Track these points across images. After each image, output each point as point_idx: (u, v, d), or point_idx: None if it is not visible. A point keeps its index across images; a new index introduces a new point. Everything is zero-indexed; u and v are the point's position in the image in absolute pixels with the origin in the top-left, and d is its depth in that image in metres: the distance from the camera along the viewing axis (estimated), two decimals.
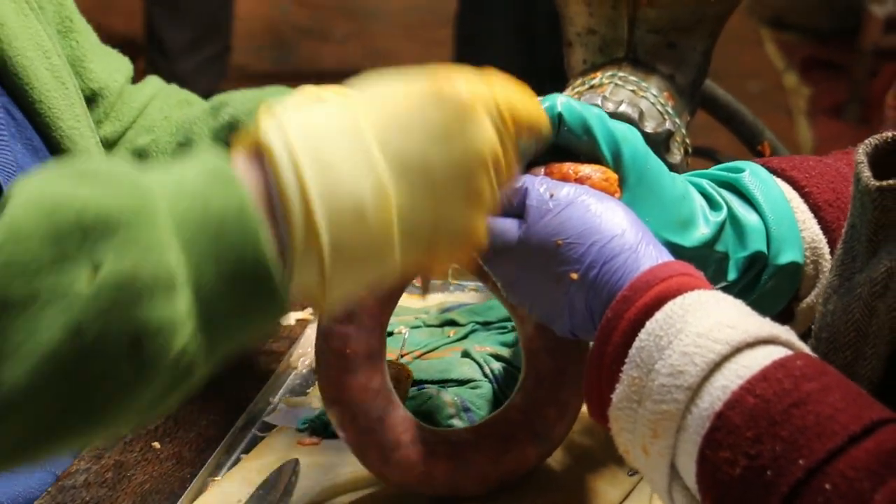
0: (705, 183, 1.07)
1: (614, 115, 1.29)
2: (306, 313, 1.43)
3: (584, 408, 1.19)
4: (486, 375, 1.24)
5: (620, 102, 1.30)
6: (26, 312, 0.73)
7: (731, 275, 1.04)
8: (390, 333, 1.34)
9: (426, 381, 1.24)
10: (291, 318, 1.42)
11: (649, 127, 1.29)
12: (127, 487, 1.13)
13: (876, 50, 2.48)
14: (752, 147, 1.73)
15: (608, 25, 1.41)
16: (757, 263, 1.05)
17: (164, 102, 1.42)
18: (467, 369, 1.25)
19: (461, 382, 1.24)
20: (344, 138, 0.81)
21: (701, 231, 1.02)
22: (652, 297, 0.88)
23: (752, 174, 1.07)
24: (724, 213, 1.04)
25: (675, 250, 0.99)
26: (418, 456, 1.07)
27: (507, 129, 0.88)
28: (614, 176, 1.00)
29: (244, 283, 0.78)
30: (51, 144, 1.21)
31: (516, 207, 0.96)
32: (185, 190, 0.77)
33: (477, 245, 0.89)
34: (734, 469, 0.80)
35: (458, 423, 1.18)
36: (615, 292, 0.90)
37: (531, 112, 0.92)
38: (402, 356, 1.29)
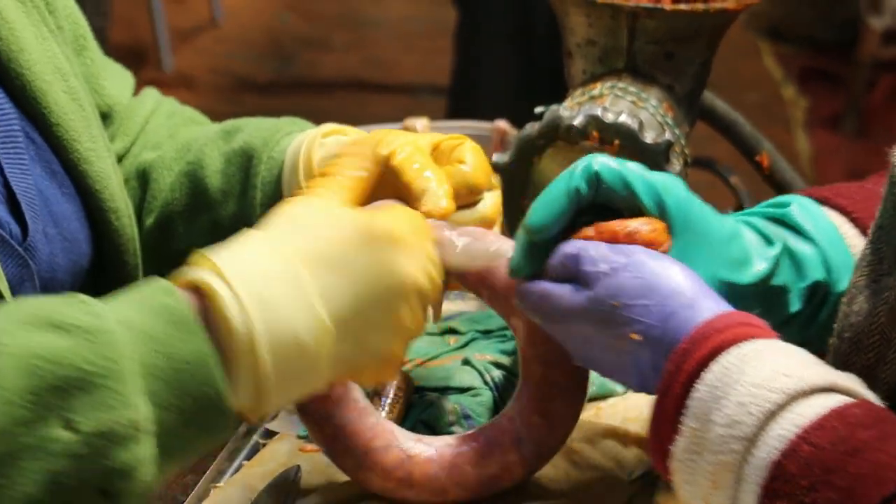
0: (755, 220, 1.08)
1: (613, 125, 1.30)
2: None
3: (583, 415, 1.21)
4: (486, 383, 1.25)
5: (620, 113, 1.31)
6: (8, 465, 0.81)
7: (795, 306, 1.05)
8: None
9: (427, 389, 1.25)
10: None
11: (649, 138, 1.30)
12: None
13: (874, 62, 2.49)
14: (751, 158, 1.74)
15: (608, 36, 1.42)
16: (818, 292, 1.05)
17: (168, 119, 1.42)
18: (468, 377, 1.26)
19: (462, 390, 1.25)
20: (283, 281, 0.91)
21: (757, 267, 1.03)
22: (709, 348, 0.89)
23: (800, 206, 1.08)
24: (779, 248, 1.05)
25: (734, 289, 1.00)
26: (394, 461, 1.08)
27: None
28: (662, 225, 1.01)
29: (203, 420, 0.89)
30: (68, 167, 1.22)
31: (571, 272, 0.98)
32: (149, 339, 0.86)
33: (397, 367, 1.01)
34: None
35: (458, 430, 1.19)
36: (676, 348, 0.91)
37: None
38: (403, 364, 1.30)
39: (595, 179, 1.04)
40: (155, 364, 0.86)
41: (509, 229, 1.40)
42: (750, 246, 1.04)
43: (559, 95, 1.44)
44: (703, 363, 0.89)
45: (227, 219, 1.30)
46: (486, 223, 1.18)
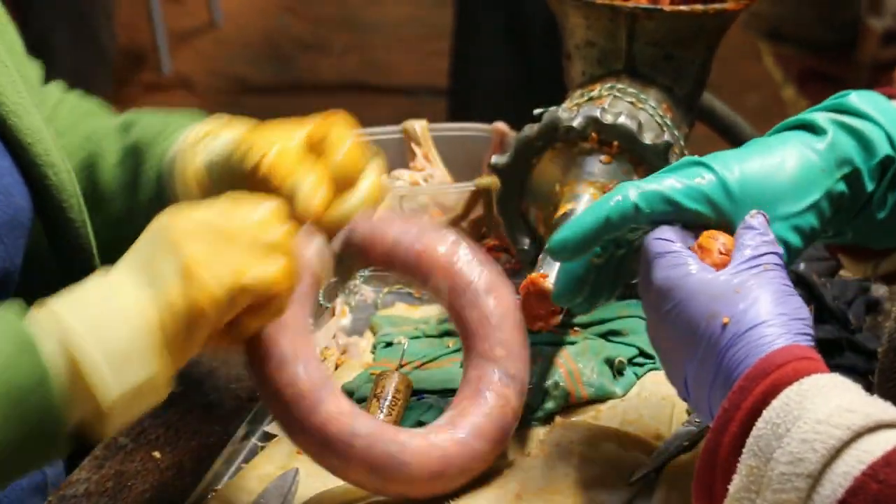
0: (816, 117, 1.07)
1: (612, 127, 1.30)
2: None
3: (582, 417, 1.21)
4: None
5: (619, 114, 1.31)
6: None
7: (869, 186, 1.05)
8: (389, 344, 1.35)
9: (426, 391, 1.25)
10: None
11: (648, 138, 1.29)
12: (127, 497, 1.14)
13: (874, 63, 2.49)
14: None
15: (607, 38, 1.42)
16: (890, 169, 1.05)
17: (71, 109, 1.42)
18: None
19: None
20: (126, 325, 0.97)
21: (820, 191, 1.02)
22: (768, 384, 0.88)
23: (859, 95, 1.08)
24: (828, 137, 1.04)
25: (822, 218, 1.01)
26: (360, 450, 1.08)
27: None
28: (728, 238, 0.99)
29: (37, 441, 0.95)
30: None
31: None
32: None
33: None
34: None
35: None
36: (732, 381, 0.90)
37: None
38: (401, 366, 1.29)
39: (634, 212, 1.02)
40: None
41: (508, 231, 1.39)
42: (812, 172, 1.03)
43: (556, 96, 1.44)
44: (765, 400, 0.87)
45: (121, 213, 1.31)
46: (367, 206, 1.16)
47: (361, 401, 1.22)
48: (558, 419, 1.21)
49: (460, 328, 1.17)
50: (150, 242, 1.02)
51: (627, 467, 1.14)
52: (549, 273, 1.17)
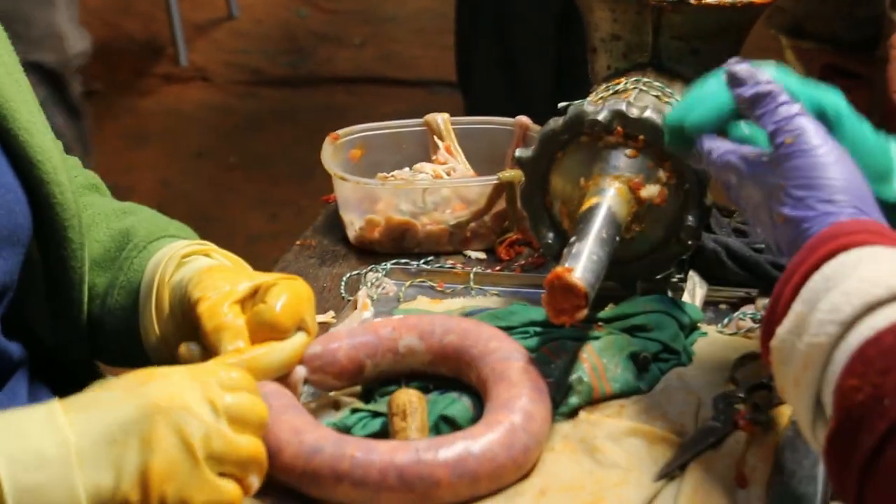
0: None
1: (639, 121, 1.29)
2: (327, 316, 1.43)
3: (606, 413, 1.20)
4: None
5: (645, 108, 1.30)
6: None
7: None
8: None
9: (450, 385, 1.24)
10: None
11: None
12: None
13: None
14: None
15: (632, 31, 1.41)
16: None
17: (73, 171, 1.43)
18: None
19: None
20: (52, 466, 0.98)
21: None
22: (834, 246, 0.97)
23: None
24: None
25: (878, 202, 1.06)
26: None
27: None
28: None
29: None
30: (7, 137, 1.23)
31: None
32: None
33: None
34: (858, 395, 0.90)
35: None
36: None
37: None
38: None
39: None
40: None
41: (531, 225, 1.39)
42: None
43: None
44: (827, 258, 0.97)
45: (96, 288, 1.33)
46: (287, 364, 1.20)
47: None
48: (582, 414, 1.20)
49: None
50: (127, 420, 1.01)
51: (653, 463, 1.13)
52: (575, 267, 1.17)
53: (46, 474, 0.97)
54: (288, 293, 1.19)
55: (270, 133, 4.39)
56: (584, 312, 1.16)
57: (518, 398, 1.14)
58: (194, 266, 1.27)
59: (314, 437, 1.11)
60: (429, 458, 1.08)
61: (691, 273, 1.41)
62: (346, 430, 1.20)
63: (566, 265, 1.17)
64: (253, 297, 1.20)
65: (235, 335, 1.17)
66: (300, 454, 1.10)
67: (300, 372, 1.20)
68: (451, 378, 1.24)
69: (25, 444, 0.98)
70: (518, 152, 1.36)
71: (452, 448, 1.09)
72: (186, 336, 1.21)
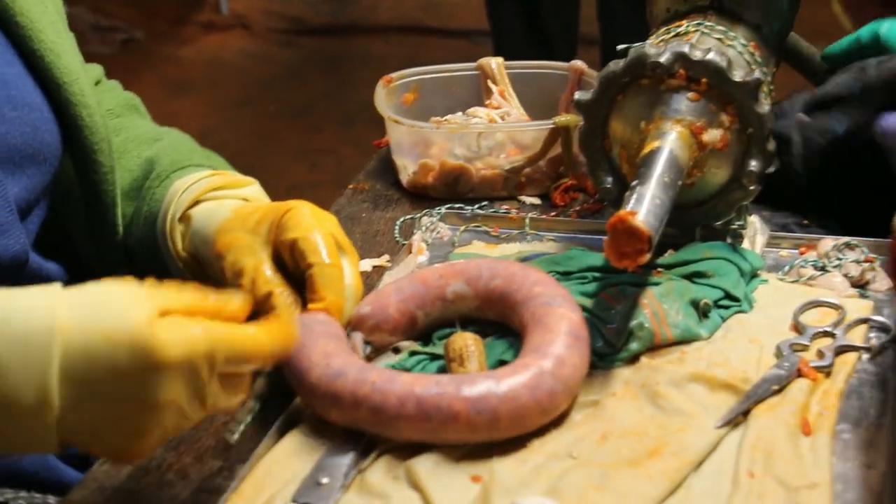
0: None
1: (701, 63, 1.27)
2: (382, 260, 1.42)
3: (666, 359, 1.19)
4: None
5: (708, 51, 1.28)
6: None
7: None
8: None
9: (504, 333, 1.23)
10: (368, 265, 1.41)
11: (737, 76, 1.26)
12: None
13: None
14: None
15: None
16: None
17: (113, 92, 1.44)
18: None
19: None
20: (27, 349, 0.88)
21: None
22: None
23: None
24: None
25: None
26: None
27: (205, 372, 0.92)
28: None
29: None
30: (33, 58, 1.23)
31: None
32: None
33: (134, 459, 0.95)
34: None
35: None
36: None
37: (240, 350, 0.95)
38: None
39: None
40: None
41: (590, 170, 1.37)
42: None
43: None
44: None
45: (125, 217, 1.33)
46: (357, 293, 1.22)
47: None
48: (644, 360, 1.19)
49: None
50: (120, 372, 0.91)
51: (715, 410, 1.12)
52: (638, 210, 1.15)
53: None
54: (321, 234, 1.18)
55: (311, 82, 4.38)
56: (647, 257, 1.14)
57: (551, 343, 1.13)
58: (207, 221, 1.26)
59: (341, 362, 1.11)
60: (449, 391, 1.07)
61: (752, 219, 1.39)
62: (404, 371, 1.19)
63: (629, 208, 1.15)
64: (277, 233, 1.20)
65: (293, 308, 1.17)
66: (324, 376, 1.10)
67: (357, 336, 1.20)
68: (500, 323, 1.23)
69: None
70: (577, 95, 1.34)
71: (475, 386, 1.08)
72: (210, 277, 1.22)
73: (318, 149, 4.00)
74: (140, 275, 1.36)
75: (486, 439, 1.08)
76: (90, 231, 1.32)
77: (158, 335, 0.89)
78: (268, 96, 4.26)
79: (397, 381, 1.08)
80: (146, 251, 1.31)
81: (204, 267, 1.26)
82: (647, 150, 1.25)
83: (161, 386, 0.90)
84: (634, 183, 1.20)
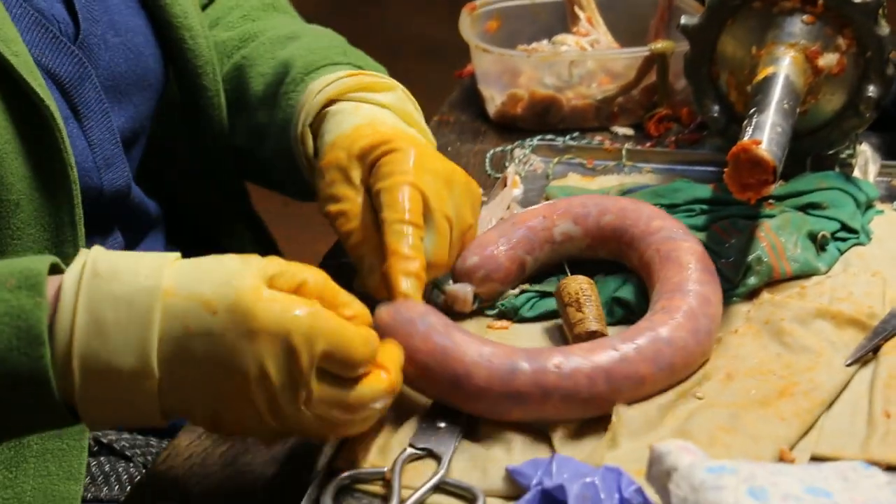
0: None
1: None
2: None
3: (786, 294, 1.14)
4: None
5: None
6: None
7: None
8: None
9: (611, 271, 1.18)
10: None
11: None
12: None
13: None
14: None
15: None
16: None
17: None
18: None
19: None
20: (131, 312, 0.86)
21: None
22: None
23: None
24: None
25: None
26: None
27: (303, 356, 0.87)
28: None
29: (27, 428, 0.93)
30: None
31: None
32: None
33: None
34: None
35: None
36: None
37: (341, 342, 0.89)
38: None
39: None
40: None
41: (696, 98, 1.32)
42: None
43: None
44: None
45: (261, 126, 1.24)
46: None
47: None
48: (765, 295, 1.14)
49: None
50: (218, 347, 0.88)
51: (843, 347, 1.07)
52: (761, 139, 1.10)
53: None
54: (409, 189, 1.07)
55: (357, 12, 4.31)
56: (772, 188, 1.09)
57: (689, 281, 1.08)
58: (332, 126, 1.14)
59: (503, 353, 1.00)
60: (632, 355, 1.01)
61: (862, 147, 1.33)
62: (513, 310, 1.15)
63: (751, 138, 1.10)
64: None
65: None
66: (495, 377, 0.99)
67: (466, 288, 1.14)
68: (611, 262, 1.18)
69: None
70: (683, 20, 1.28)
71: (643, 339, 1.02)
72: None
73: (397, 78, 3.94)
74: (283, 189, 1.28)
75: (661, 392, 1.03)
76: (191, 162, 1.27)
77: (258, 303, 0.86)
78: (341, 20, 4.18)
79: (575, 358, 1.00)
80: (284, 163, 1.21)
81: None
82: (760, 76, 1.20)
83: (253, 354, 0.86)
84: (752, 111, 1.14)
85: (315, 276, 0.91)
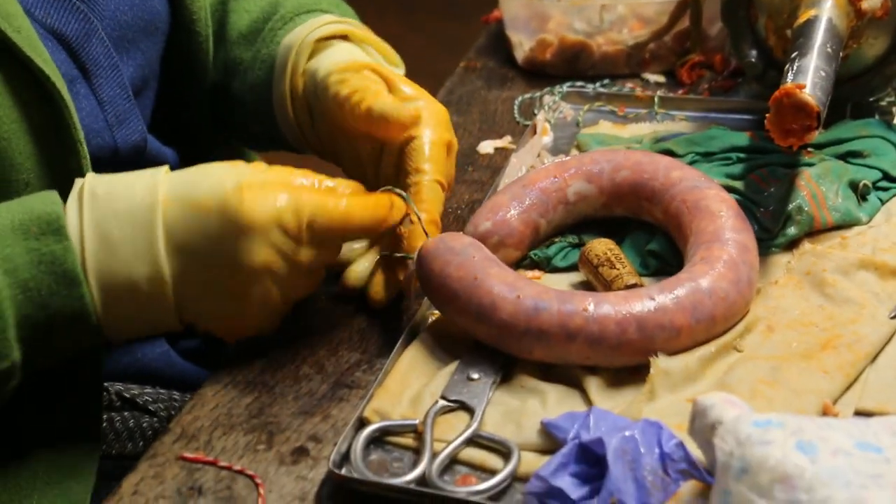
0: None
1: None
2: (504, 142, 1.34)
3: (827, 244, 1.10)
4: None
5: None
6: None
7: None
8: None
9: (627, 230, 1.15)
10: (490, 146, 1.32)
11: None
12: None
13: None
14: None
15: None
16: None
17: None
18: None
19: None
20: (135, 224, 0.94)
21: None
22: None
23: None
24: None
25: None
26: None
27: (301, 241, 0.97)
28: None
29: (66, 352, 0.97)
30: None
31: None
32: (28, 291, 0.91)
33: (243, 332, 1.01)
34: None
35: None
36: None
37: (339, 217, 0.98)
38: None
39: None
40: (32, 317, 0.91)
41: (733, 42, 1.28)
42: None
43: None
44: None
45: (239, 61, 1.23)
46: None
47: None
48: (806, 245, 1.10)
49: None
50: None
51: (887, 298, 1.04)
52: (805, 83, 1.06)
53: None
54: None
55: None
56: (816, 134, 1.05)
57: (724, 229, 1.04)
58: (332, 59, 1.14)
59: (534, 292, 0.98)
60: (669, 304, 0.97)
61: None
62: (546, 259, 1.12)
63: (794, 82, 1.06)
64: None
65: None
66: (521, 312, 0.97)
67: None
68: (627, 219, 1.14)
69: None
70: None
71: (682, 290, 0.99)
72: (321, 126, 1.14)
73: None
74: (237, 136, 1.30)
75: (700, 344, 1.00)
76: (198, 106, 1.24)
77: (244, 200, 0.94)
78: None
79: (606, 305, 0.97)
80: (258, 101, 1.20)
81: (313, 120, 1.16)
82: (802, 19, 1.16)
83: (251, 249, 0.95)
84: (794, 54, 1.11)
85: (300, 171, 0.98)
